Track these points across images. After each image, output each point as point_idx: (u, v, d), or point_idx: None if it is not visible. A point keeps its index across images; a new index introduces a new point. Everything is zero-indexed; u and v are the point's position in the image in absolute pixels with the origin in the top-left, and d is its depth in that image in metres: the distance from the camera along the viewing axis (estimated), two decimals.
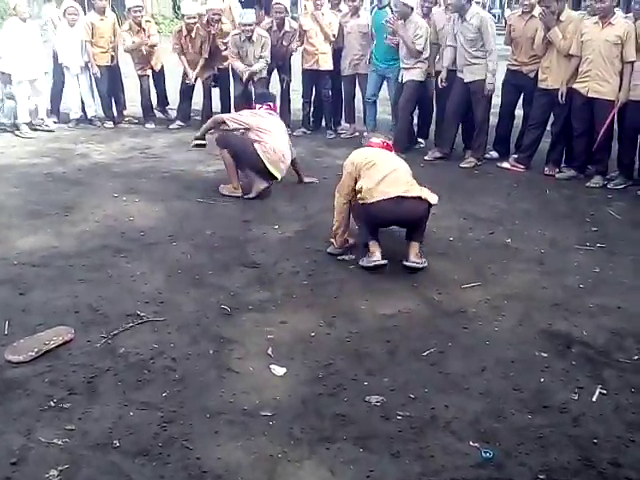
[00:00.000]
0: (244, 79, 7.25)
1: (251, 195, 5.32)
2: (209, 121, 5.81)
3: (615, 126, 5.79)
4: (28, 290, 3.68)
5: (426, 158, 6.60)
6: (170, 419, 2.59)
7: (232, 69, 7.48)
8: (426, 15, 6.58)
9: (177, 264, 4.07)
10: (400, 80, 6.71)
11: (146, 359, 3.01)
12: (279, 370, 2.94)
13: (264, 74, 7.34)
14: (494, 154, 6.65)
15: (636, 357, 3.09)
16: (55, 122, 7.96)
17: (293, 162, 5.61)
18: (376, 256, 3.97)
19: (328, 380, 2.87)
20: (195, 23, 7.47)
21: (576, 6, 8.83)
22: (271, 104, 5.67)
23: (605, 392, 2.81)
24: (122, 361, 2.99)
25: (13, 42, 7.17)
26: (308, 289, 3.77)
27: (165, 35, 12.58)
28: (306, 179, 5.80)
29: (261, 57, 7.18)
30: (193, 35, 7.50)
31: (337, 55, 7.36)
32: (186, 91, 7.92)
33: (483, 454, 2.42)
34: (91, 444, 2.44)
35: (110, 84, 7.96)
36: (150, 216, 4.93)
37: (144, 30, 7.76)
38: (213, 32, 7.50)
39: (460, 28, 6.08)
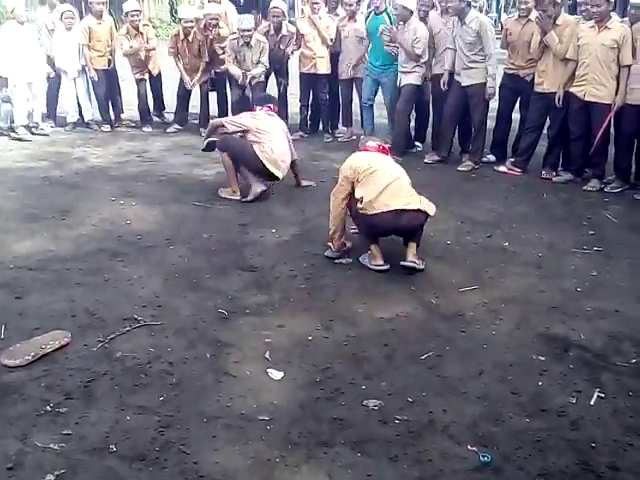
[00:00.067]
0: (239, 82, 7.24)
1: (249, 198, 5.32)
2: (209, 126, 5.81)
3: (612, 130, 5.80)
4: (24, 294, 3.67)
5: (426, 161, 6.61)
6: (167, 423, 2.58)
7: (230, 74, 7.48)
8: (423, 19, 6.59)
9: (174, 268, 4.07)
10: (398, 84, 6.72)
11: (143, 363, 3.00)
12: (276, 374, 2.94)
13: (262, 78, 7.34)
14: (491, 157, 6.65)
15: (634, 361, 3.09)
16: (52, 126, 7.95)
17: (293, 164, 5.61)
18: (378, 261, 4.02)
19: (326, 384, 2.87)
20: (192, 27, 7.47)
21: (572, 10, 8.84)
22: (271, 106, 5.67)
23: (603, 396, 2.81)
24: (119, 365, 2.98)
25: (11, 45, 7.17)
26: (305, 293, 3.76)
27: (162, 39, 12.57)
28: (303, 183, 5.80)
29: (259, 62, 7.18)
30: (190, 39, 7.50)
31: (334, 59, 7.37)
32: (183, 95, 7.92)
33: (481, 458, 2.41)
34: (88, 449, 2.43)
35: (107, 88, 7.95)
36: (147, 220, 4.92)
37: (142, 34, 7.75)
38: (211, 37, 7.50)
39: (459, 31, 6.09)
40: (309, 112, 7.79)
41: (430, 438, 2.53)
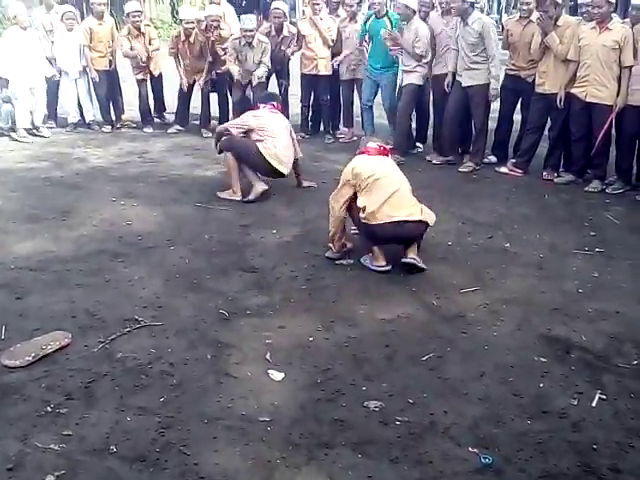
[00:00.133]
0: (235, 79, 7.24)
1: (250, 197, 5.33)
2: (215, 134, 5.78)
3: (613, 131, 5.79)
4: (25, 295, 3.66)
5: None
6: (168, 424, 2.58)
7: (230, 75, 7.48)
8: (423, 20, 6.58)
9: (175, 268, 4.06)
10: (400, 83, 6.72)
11: (144, 364, 3.00)
12: (277, 375, 2.93)
13: (263, 79, 7.34)
14: (492, 158, 6.65)
15: (635, 362, 3.09)
16: (51, 127, 7.96)
17: (295, 163, 5.60)
18: (380, 261, 4.03)
19: (326, 385, 2.86)
20: (193, 28, 7.47)
21: (573, 12, 8.83)
22: (275, 103, 5.68)
23: (604, 397, 2.80)
24: (119, 366, 2.98)
25: (13, 50, 7.19)
26: (306, 294, 3.76)
27: (163, 40, 12.58)
28: (304, 183, 5.80)
29: (261, 62, 7.19)
30: (192, 40, 7.50)
31: None
32: (184, 96, 7.92)
33: (482, 460, 2.41)
34: (88, 449, 2.43)
35: (108, 88, 7.95)
36: (148, 220, 4.92)
37: (143, 34, 7.75)
38: (212, 38, 7.50)
39: (462, 32, 6.08)
40: (310, 113, 7.79)
41: (431, 440, 2.52)
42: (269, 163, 5.27)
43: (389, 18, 6.73)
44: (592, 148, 5.72)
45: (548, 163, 6.17)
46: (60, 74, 7.69)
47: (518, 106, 6.52)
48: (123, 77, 8.38)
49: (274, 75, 7.66)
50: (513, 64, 6.28)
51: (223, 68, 7.56)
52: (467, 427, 2.60)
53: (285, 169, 5.38)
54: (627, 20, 5.71)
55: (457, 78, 6.28)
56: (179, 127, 8.01)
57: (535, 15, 5.91)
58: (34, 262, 4.10)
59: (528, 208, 5.34)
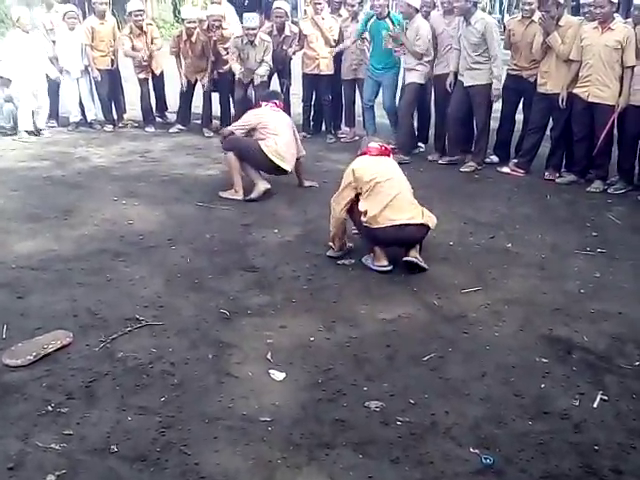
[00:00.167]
0: (237, 77, 7.24)
1: (252, 196, 5.33)
2: (220, 138, 5.77)
3: (615, 131, 5.78)
4: (26, 294, 3.66)
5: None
6: (168, 424, 2.57)
7: (233, 74, 7.47)
8: (424, 19, 6.58)
9: (176, 268, 4.06)
10: (403, 82, 6.72)
11: (145, 364, 3.00)
12: (278, 375, 2.93)
13: (265, 78, 7.34)
14: (494, 158, 6.64)
15: (637, 363, 3.08)
16: (53, 126, 7.97)
17: (297, 162, 5.60)
18: (382, 261, 4.03)
19: (327, 385, 2.86)
20: (195, 28, 7.47)
21: (575, 12, 8.82)
22: (277, 102, 5.69)
23: (606, 398, 2.79)
24: (120, 365, 2.98)
25: (16, 54, 7.20)
26: (308, 293, 3.75)
27: (165, 39, 12.59)
28: (306, 183, 5.80)
29: (263, 61, 7.19)
30: (193, 40, 7.50)
31: (337, 60, 7.37)
32: (186, 95, 7.93)
33: (483, 460, 2.40)
34: (89, 449, 2.43)
35: (110, 88, 7.97)
36: (149, 220, 4.92)
37: (145, 33, 7.76)
38: (215, 38, 7.50)
39: (464, 32, 6.08)
40: (312, 113, 7.79)
41: (432, 440, 2.52)
42: (271, 160, 5.28)
43: (391, 20, 6.71)
44: (594, 148, 5.71)
45: (550, 163, 6.16)
46: (62, 73, 7.70)
47: (520, 106, 6.52)
48: (125, 76, 8.39)
49: (276, 75, 7.66)
50: (515, 64, 6.27)
51: (225, 68, 7.57)
52: (468, 427, 2.60)
53: (287, 165, 5.39)
54: (629, 20, 5.70)
55: (459, 78, 6.28)
56: (181, 126, 8.02)
57: (537, 15, 5.91)
58: (35, 261, 4.10)
59: (530, 208, 5.33)
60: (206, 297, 3.68)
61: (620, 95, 5.48)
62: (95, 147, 7.22)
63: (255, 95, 7.25)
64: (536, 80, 6.01)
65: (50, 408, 2.65)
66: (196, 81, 7.79)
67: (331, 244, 4.24)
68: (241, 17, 7.36)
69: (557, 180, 6.04)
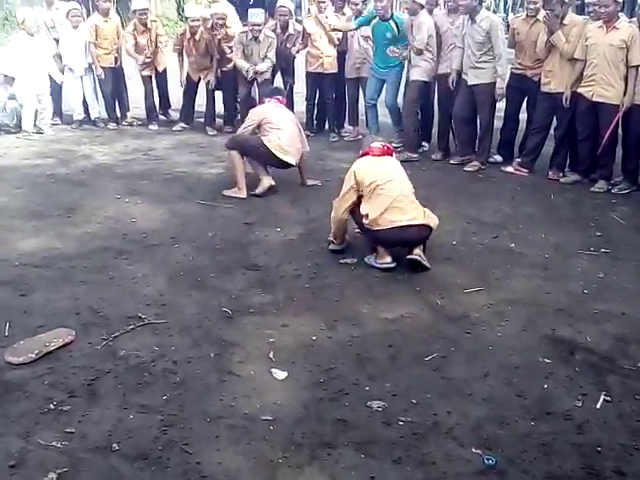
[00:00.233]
0: (248, 78, 7.24)
1: (257, 192, 5.36)
2: (229, 141, 5.74)
3: (619, 131, 5.76)
4: (29, 291, 3.67)
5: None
6: (170, 423, 2.57)
7: (236, 72, 7.46)
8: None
9: (179, 266, 4.06)
10: (406, 79, 6.73)
11: (147, 362, 3.00)
12: (280, 374, 2.93)
13: (268, 76, 7.34)
14: (498, 158, 6.63)
15: None
16: (56, 124, 7.98)
17: (300, 159, 5.60)
18: (385, 258, 4.03)
19: (329, 385, 2.85)
20: (199, 26, 7.47)
21: (580, 11, 8.79)
22: (280, 98, 5.70)
23: (609, 399, 2.78)
24: (123, 364, 2.98)
25: (21, 57, 7.21)
26: (310, 292, 3.75)
27: (169, 37, 12.60)
28: (309, 182, 5.79)
29: (266, 57, 7.19)
30: (197, 38, 7.50)
31: (341, 58, 7.37)
32: (189, 93, 7.92)
33: (486, 461, 2.40)
34: (90, 447, 2.43)
35: (114, 85, 7.97)
36: (152, 218, 4.92)
37: (149, 30, 7.76)
38: (219, 36, 7.49)
39: (469, 30, 6.06)
40: (315, 111, 7.78)
41: (434, 440, 2.51)
42: (274, 155, 5.29)
43: (395, 21, 6.67)
44: (598, 148, 5.69)
45: (554, 163, 6.15)
46: (64, 72, 7.70)
47: (524, 105, 6.50)
48: (128, 74, 8.39)
49: (279, 73, 7.66)
50: (519, 63, 6.25)
51: (229, 65, 7.56)
52: (471, 428, 2.59)
53: (292, 159, 5.41)
54: (634, 19, 5.68)
55: (463, 76, 6.26)
56: (184, 125, 8.02)
57: (542, 14, 5.89)
58: (38, 259, 4.11)
59: (533, 208, 5.32)
60: (208, 295, 3.67)
61: (625, 94, 5.46)
62: (98, 145, 7.23)
63: (259, 92, 7.25)
64: (540, 79, 5.99)
65: (52, 406, 2.66)
66: (199, 79, 7.78)
67: (331, 238, 4.28)
68: (246, 13, 7.35)
69: (561, 180, 6.02)
